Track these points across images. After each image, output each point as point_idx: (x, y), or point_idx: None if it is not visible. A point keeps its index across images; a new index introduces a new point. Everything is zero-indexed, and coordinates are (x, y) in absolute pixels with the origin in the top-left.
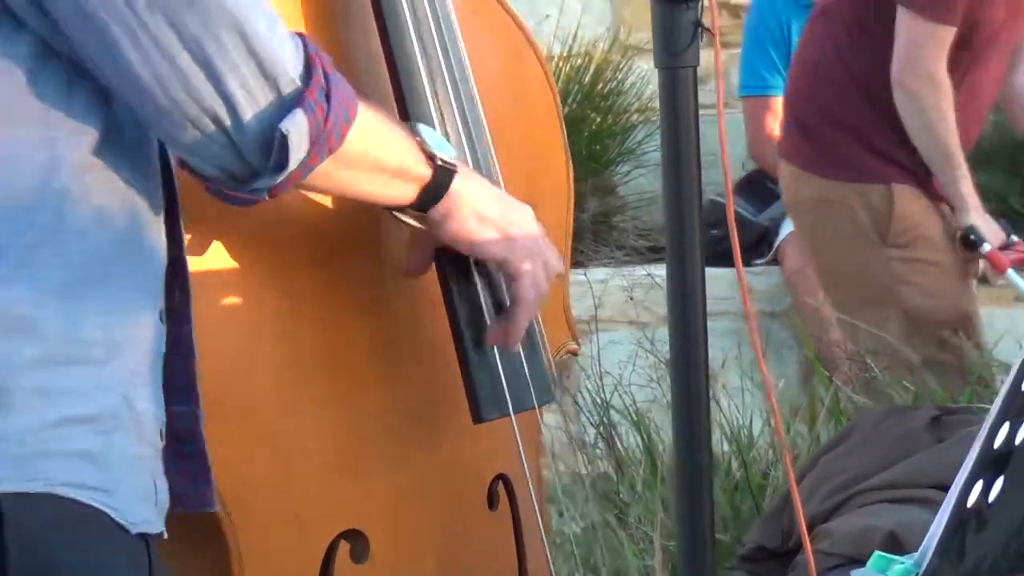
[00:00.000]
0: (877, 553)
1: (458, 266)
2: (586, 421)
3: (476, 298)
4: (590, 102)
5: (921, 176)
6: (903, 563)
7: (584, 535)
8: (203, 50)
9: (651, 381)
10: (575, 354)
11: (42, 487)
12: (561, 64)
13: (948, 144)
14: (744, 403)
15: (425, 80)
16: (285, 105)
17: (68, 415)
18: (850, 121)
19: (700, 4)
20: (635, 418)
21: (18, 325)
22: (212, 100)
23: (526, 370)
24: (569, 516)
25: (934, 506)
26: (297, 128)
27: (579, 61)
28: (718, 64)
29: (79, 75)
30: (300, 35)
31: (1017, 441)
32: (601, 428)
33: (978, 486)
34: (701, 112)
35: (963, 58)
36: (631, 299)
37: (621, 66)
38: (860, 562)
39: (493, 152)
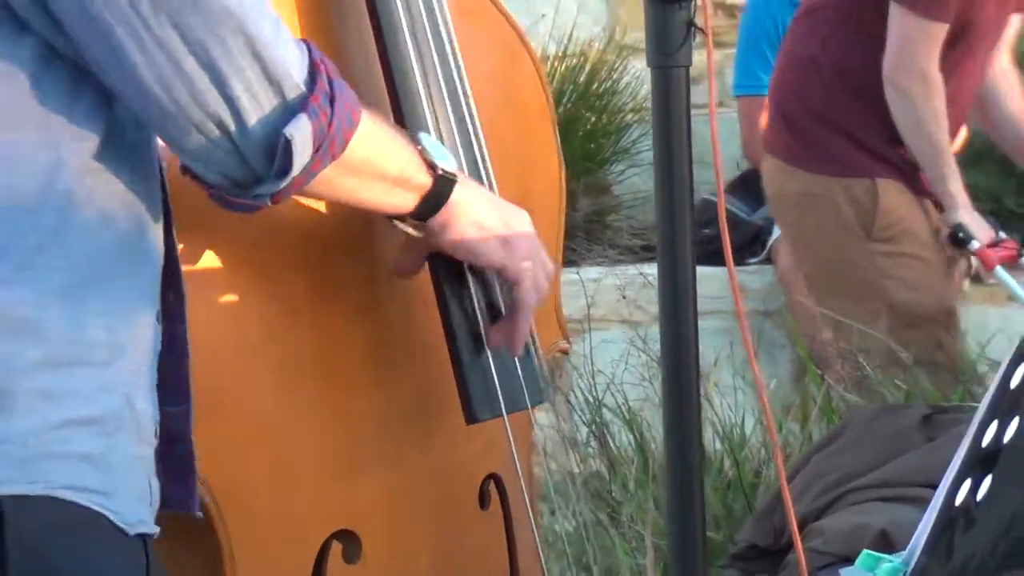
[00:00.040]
0: (866, 552)
1: (452, 268)
2: (578, 420)
3: (469, 300)
4: (585, 101)
5: (906, 171)
6: (892, 561)
7: (576, 533)
8: (208, 53)
9: (643, 380)
10: (566, 353)
11: (43, 490)
12: (556, 63)
13: (939, 141)
14: (736, 402)
15: (419, 80)
16: (289, 110)
17: (71, 417)
18: (836, 116)
19: (693, 4)
20: (627, 417)
21: (21, 327)
22: (216, 104)
23: (519, 370)
24: (561, 515)
25: (925, 505)
26: (301, 133)
27: (574, 60)
28: (710, 63)
29: (82, 78)
30: (305, 41)
31: (1005, 439)
32: (593, 427)
33: (966, 484)
34: (695, 111)
35: (950, 56)
36: (624, 298)
37: (616, 66)
38: (851, 560)
39: (487, 153)
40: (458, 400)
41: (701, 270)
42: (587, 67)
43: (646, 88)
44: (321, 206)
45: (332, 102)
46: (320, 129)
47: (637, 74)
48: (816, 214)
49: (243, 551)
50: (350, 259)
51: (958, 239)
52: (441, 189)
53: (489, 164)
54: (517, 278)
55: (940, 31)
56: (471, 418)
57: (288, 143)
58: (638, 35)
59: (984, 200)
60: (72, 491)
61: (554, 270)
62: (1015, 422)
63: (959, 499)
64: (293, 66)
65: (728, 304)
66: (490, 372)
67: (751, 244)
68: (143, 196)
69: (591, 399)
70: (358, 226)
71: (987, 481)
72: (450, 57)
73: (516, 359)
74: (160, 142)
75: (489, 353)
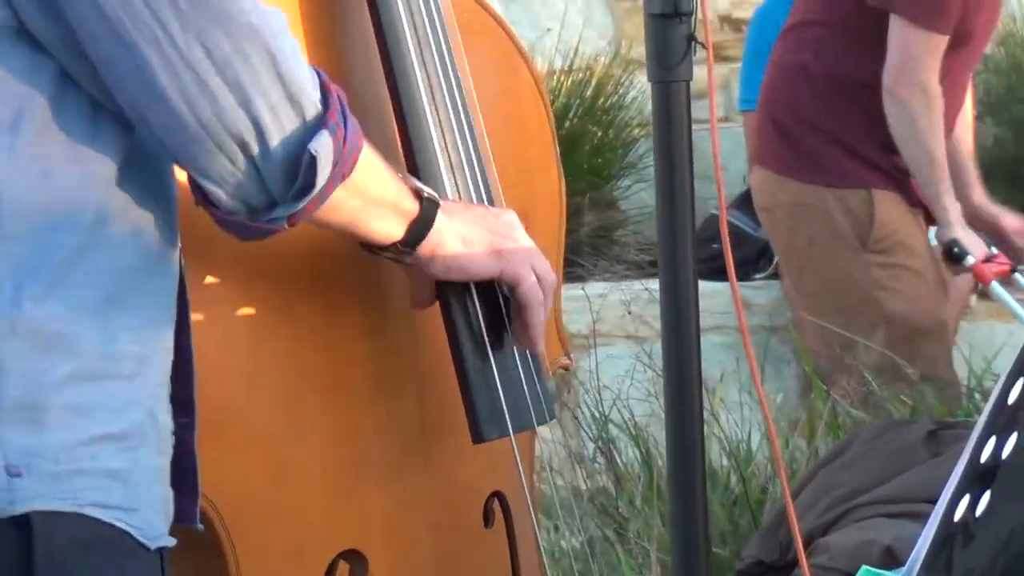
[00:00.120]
0: (865, 568)
1: (457, 289)
2: (585, 435)
3: (476, 319)
4: (591, 116)
5: (900, 181)
6: None
7: (582, 550)
8: (234, 72)
9: (649, 395)
10: (567, 369)
11: (71, 506)
12: (562, 78)
13: (936, 154)
14: (743, 417)
15: (425, 98)
16: (309, 129)
17: (99, 433)
18: (829, 124)
19: (694, 18)
20: (634, 432)
21: (53, 342)
22: (241, 123)
23: (525, 389)
24: (568, 531)
25: None
26: (324, 149)
27: (580, 75)
28: (711, 78)
29: (101, 106)
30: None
31: (1003, 455)
32: (600, 442)
33: (965, 500)
34: (698, 126)
35: (943, 66)
36: (629, 313)
37: (622, 80)
38: None
39: (492, 163)
40: (463, 419)
41: (708, 285)
42: (593, 81)
43: None
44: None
45: (346, 120)
46: (338, 146)
47: (643, 88)
48: (808, 224)
49: (251, 572)
50: (357, 279)
51: (953, 254)
52: (428, 214)
53: (493, 179)
54: (516, 279)
55: (941, 43)
56: (478, 438)
57: (313, 160)
58: (644, 50)
59: None
60: (99, 508)
61: (555, 280)
62: (1013, 438)
63: (958, 515)
64: (310, 85)
65: (734, 319)
66: (496, 391)
67: (757, 259)
68: (164, 215)
69: (597, 415)
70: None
71: (985, 497)
72: (453, 72)
73: (523, 378)
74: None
75: (496, 372)
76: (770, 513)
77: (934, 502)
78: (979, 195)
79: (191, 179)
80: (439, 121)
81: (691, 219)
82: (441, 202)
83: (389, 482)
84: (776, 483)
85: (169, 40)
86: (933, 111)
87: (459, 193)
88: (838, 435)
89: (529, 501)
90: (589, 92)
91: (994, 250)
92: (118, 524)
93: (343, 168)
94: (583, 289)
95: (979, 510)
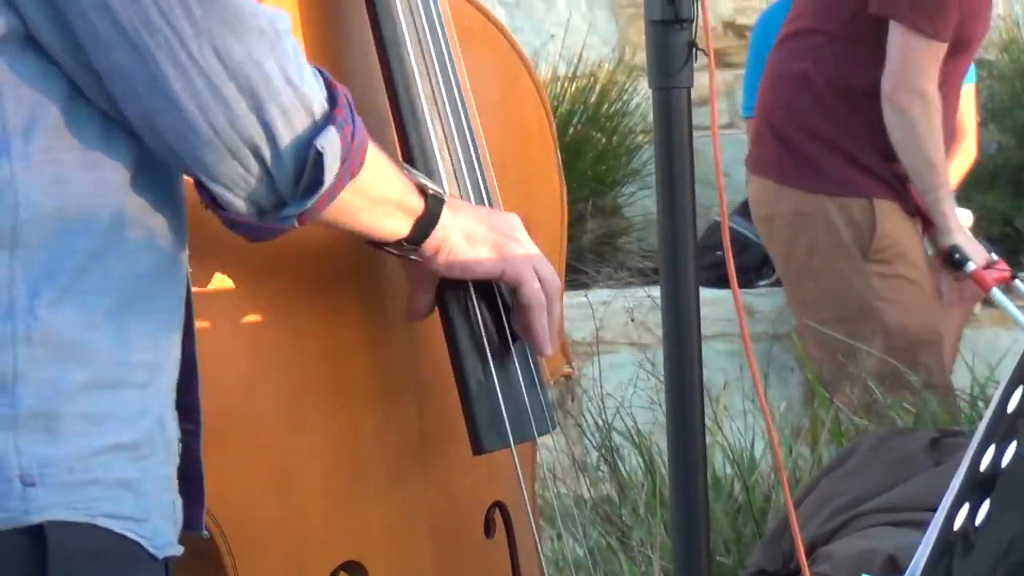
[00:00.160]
0: None
1: (458, 299)
2: (588, 443)
3: (477, 330)
4: (595, 122)
5: (900, 190)
6: None
7: (585, 558)
8: (247, 78)
9: (653, 403)
10: (569, 377)
11: (83, 517)
12: (566, 84)
13: (935, 161)
14: (746, 425)
15: (424, 102)
16: (317, 126)
17: (112, 442)
18: (829, 132)
19: (695, 25)
20: (637, 440)
21: (68, 350)
22: (253, 129)
23: (526, 400)
24: (572, 539)
25: None
26: (331, 146)
27: (584, 81)
28: (712, 84)
29: (111, 117)
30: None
31: (1003, 464)
32: (603, 450)
33: (964, 509)
34: (700, 133)
35: (941, 72)
36: (632, 320)
37: (626, 86)
38: None
39: (491, 169)
40: (463, 429)
41: (712, 293)
42: (597, 88)
43: None
44: (329, 235)
45: (353, 116)
46: (346, 142)
47: (647, 95)
48: (808, 234)
49: None
50: (358, 289)
51: (954, 260)
52: (433, 210)
53: (493, 184)
54: (518, 280)
55: (941, 50)
56: (479, 449)
57: (319, 156)
58: None
59: (994, 222)
60: (111, 519)
61: (559, 285)
62: (1013, 446)
63: (957, 524)
64: (316, 85)
65: (738, 326)
66: (497, 402)
67: (760, 266)
68: (176, 219)
69: (601, 423)
70: (366, 255)
71: (985, 506)
72: (453, 77)
73: (524, 389)
74: None
75: (497, 382)
76: (773, 522)
77: (936, 511)
78: None
79: (198, 183)
80: (439, 128)
81: (692, 226)
82: (446, 198)
83: (389, 493)
84: (780, 492)
85: (183, 47)
86: (932, 118)
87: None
88: (841, 443)
89: (530, 511)
90: (593, 99)
91: (994, 256)
92: (129, 535)
93: (351, 166)
94: (586, 296)
95: (978, 519)
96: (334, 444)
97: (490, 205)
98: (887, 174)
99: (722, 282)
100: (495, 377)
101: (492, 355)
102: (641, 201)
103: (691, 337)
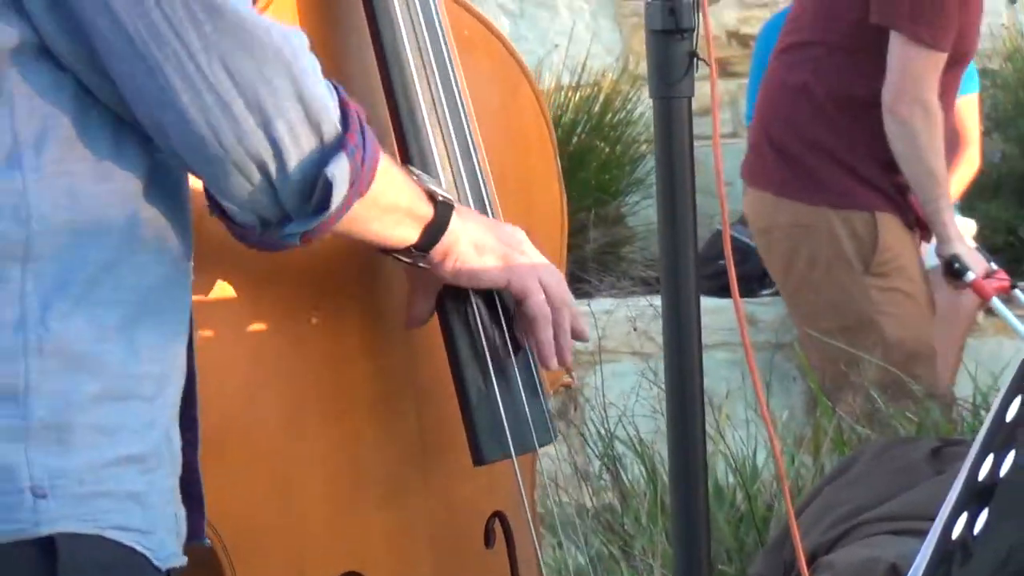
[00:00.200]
0: None
1: (459, 309)
2: (590, 452)
3: (478, 339)
4: (599, 132)
5: (900, 203)
6: None
7: (587, 567)
8: (256, 95)
9: (655, 412)
10: (569, 387)
11: (93, 529)
12: (570, 94)
13: (936, 171)
14: (748, 434)
15: (424, 110)
16: (327, 150)
17: (123, 454)
18: (832, 145)
19: (695, 35)
20: (639, 449)
21: (79, 362)
22: (261, 146)
23: (527, 411)
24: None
25: None
26: (341, 172)
27: (588, 91)
28: (714, 94)
29: (123, 124)
30: (330, 80)
31: (1002, 473)
32: (605, 459)
33: (963, 518)
34: (702, 142)
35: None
36: (635, 330)
37: (630, 96)
38: None
39: (491, 179)
40: (463, 439)
41: (715, 302)
42: (601, 97)
43: None
44: (331, 244)
45: (365, 140)
46: (356, 167)
47: (651, 104)
48: (809, 245)
49: None
50: (358, 299)
51: (954, 270)
52: (442, 216)
53: (493, 193)
54: (524, 291)
55: (941, 61)
56: (479, 460)
57: (329, 183)
58: None
59: (999, 231)
60: (120, 531)
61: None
62: (1011, 456)
63: (956, 532)
64: (329, 105)
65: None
66: (498, 414)
67: (763, 276)
68: (183, 230)
69: (603, 431)
70: (367, 264)
71: (983, 515)
72: (453, 86)
73: (525, 399)
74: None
75: (497, 392)
76: (775, 530)
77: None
78: None
79: (207, 191)
80: (439, 136)
81: (693, 235)
82: (456, 204)
83: (390, 502)
84: (782, 500)
85: (192, 62)
86: (933, 128)
87: None
88: (843, 452)
89: (530, 520)
90: (596, 108)
91: (994, 266)
92: (137, 547)
93: (360, 187)
94: (589, 305)
95: (977, 528)
96: (335, 451)
97: (491, 214)
98: (887, 186)
99: (724, 291)
100: (496, 387)
101: (493, 365)
102: (644, 210)
103: (691, 346)
